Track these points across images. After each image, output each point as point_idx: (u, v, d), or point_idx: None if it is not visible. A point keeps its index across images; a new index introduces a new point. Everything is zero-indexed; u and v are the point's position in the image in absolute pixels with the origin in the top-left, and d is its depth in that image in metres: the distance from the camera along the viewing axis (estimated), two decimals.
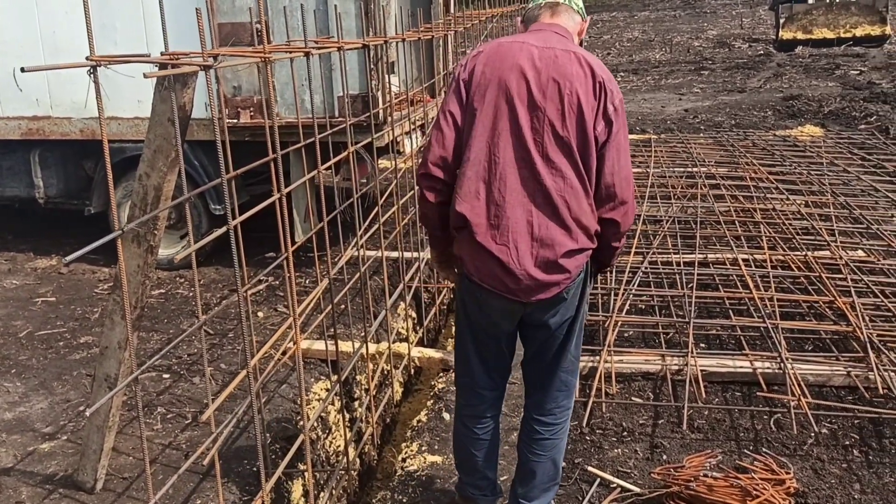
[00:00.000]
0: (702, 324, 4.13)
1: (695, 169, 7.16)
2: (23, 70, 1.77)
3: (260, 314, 4.99)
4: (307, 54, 2.85)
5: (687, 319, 4.04)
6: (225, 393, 2.20)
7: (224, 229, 2.25)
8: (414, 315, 5.16)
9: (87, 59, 1.96)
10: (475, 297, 2.45)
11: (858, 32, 18.47)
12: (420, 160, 2.45)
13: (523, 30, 2.59)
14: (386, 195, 4.68)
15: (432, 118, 5.66)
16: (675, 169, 7.25)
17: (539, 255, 2.30)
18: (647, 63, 18.53)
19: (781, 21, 18.94)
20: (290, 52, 2.77)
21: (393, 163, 4.88)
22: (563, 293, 2.37)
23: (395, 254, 4.92)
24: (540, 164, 2.30)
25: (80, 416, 3.67)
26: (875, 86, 12.34)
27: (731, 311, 4.34)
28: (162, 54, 2.38)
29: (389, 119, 5.20)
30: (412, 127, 6.11)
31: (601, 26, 30.65)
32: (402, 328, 4.80)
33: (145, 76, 1.90)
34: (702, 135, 9.30)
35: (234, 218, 2.33)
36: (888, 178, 6.65)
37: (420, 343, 4.84)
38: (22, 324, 4.90)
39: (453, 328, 5.11)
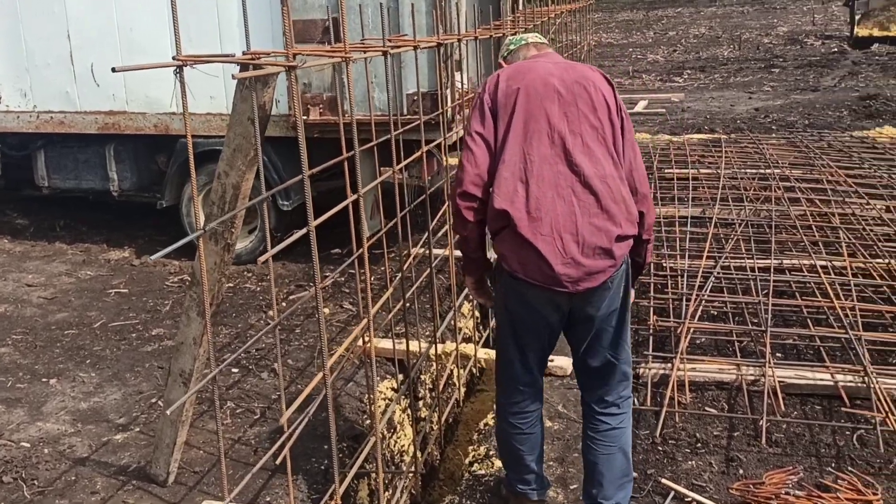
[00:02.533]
0: (779, 332, 3.98)
1: (768, 170, 6.95)
2: (113, 70, 1.77)
3: (326, 310, 5.02)
4: (385, 54, 2.83)
5: (763, 328, 3.91)
6: (302, 396, 2.19)
7: (303, 231, 2.24)
8: (478, 314, 5.13)
9: (173, 58, 1.97)
10: (518, 294, 2.51)
11: None
12: (455, 183, 2.55)
13: (515, 59, 2.80)
14: None
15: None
16: (747, 170, 7.05)
17: (585, 242, 2.38)
18: (715, 60, 18.11)
19: (857, 17, 18.28)
20: (368, 52, 2.75)
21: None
22: (608, 282, 2.45)
23: (458, 252, 4.86)
24: (578, 153, 2.42)
25: (153, 407, 3.74)
26: None
27: (809, 321, 4.18)
28: (244, 54, 2.38)
29: (458, 117, 5.17)
30: None
31: (666, 22, 30.10)
32: (468, 328, 4.76)
33: (234, 77, 1.89)
34: (774, 135, 9.03)
35: (312, 218, 2.31)
36: None
37: (484, 343, 4.80)
38: (96, 314, 5.02)
39: None
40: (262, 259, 1.95)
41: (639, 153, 2.60)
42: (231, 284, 5.57)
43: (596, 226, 2.38)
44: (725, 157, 7.53)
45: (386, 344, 4.18)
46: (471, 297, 2.88)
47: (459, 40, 4.13)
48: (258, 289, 5.52)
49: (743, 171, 7.02)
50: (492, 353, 4.24)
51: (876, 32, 17.98)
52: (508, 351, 2.68)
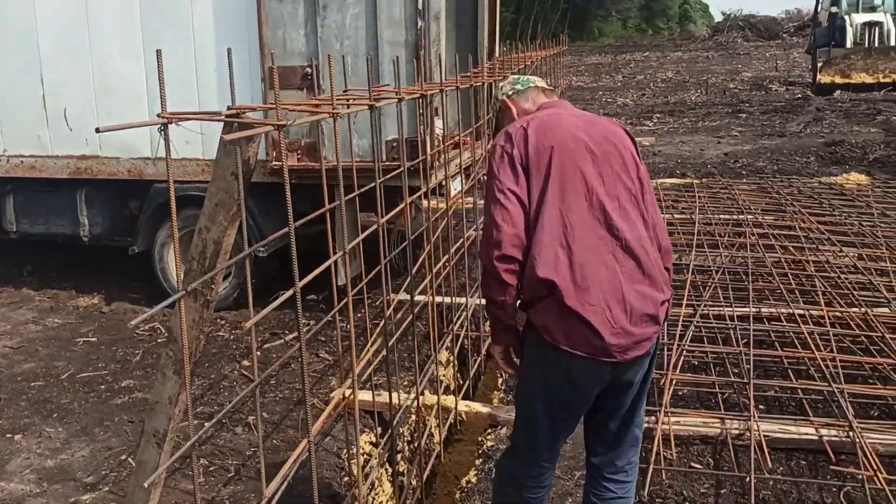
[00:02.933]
0: (762, 385, 3.96)
1: (741, 216, 7.02)
2: (97, 131, 1.72)
3: None
4: (371, 108, 2.80)
5: (746, 380, 3.89)
6: (285, 467, 2.11)
7: (290, 292, 2.18)
8: (455, 362, 5.06)
9: (158, 116, 1.92)
10: (561, 367, 2.33)
11: None
12: (487, 243, 2.33)
13: (515, 111, 2.67)
14: (435, 237, 4.59)
15: (476, 159, 5.56)
16: (721, 216, 7.11)
17: (633, 310, 2.27)
18: (684, 104, 18.45)
19: (819, 65, 18.81)
20: (353, 105, 2.72)
21: (440, 204, 4.83)
22: (651, 348, 2.37)
23: (438, 298, 4.81)
24: (616, 217, 2.33)
25: (123, 465, 3.61)
26: None
27: (790, 372, 4.18)
28: (228, 108, 2.34)
29: (438, 162, 5.16)
30: (458, 170, 6.07)
31: (634, 66, 30.71)
32: (447, 377, 4.69)
33: (224, 140, 1.85)
34: (744, 180, 9.15)
35: (298, 279, 2.25)
36: None
37: (465, 394, 4.73)
38: (64, 365, 4.87)
39: (497, 379, 5.00)
40: (248, 325, 1.88)
41: (657, 207, 2.54)
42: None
43: (641, 292, 2.29)
44: (699, 203, 7.60)
45: (365, 395, 4.10)
46: (498, 368, 2.66)
47: (442, 90, 4.13)
48: (231, 337, 5.40)
49: (717, 216, 7.08)
50: (474, 407, 4.17)
51: (838, 80, 18.50)
52: (538, 427, 2.46)
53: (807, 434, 3.51)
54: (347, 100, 2.94)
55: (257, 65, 5.27)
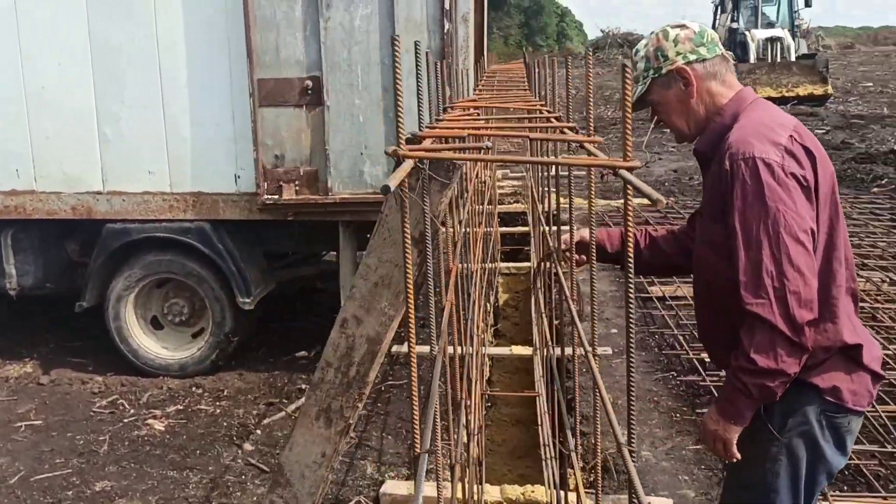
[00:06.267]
0: None
1: None
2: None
3: None
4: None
5: None
6: None
7: None
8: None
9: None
10: (838, 432, 1.95)
11: (801, 92, 18.79)
12: (790, 301, 1.72)
13: (696, 87, 1.89)
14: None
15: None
16: None
17: (875, 354, 2.01)
18: (601, 120, 18.32)
19: None
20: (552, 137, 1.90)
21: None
22: None
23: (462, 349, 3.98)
24: (850, 256, 2.00)
25: None
26: (851, 146, 12.25)
27: None
28: (413, 135, 1.53)
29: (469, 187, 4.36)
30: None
31: None
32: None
33: (393, 188, 0.97)
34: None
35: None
36: None
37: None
38: (8, 462, 3.75)
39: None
40: None
41: None
42: (180, 407, 4.40)
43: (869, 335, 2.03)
44: None
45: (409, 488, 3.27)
46: (709, 452, 2.04)
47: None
48: (217, 411, 4.39)
49: None
50: None
51: None
52: None
53: None
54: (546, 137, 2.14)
55: (243, 76, 4.31)
